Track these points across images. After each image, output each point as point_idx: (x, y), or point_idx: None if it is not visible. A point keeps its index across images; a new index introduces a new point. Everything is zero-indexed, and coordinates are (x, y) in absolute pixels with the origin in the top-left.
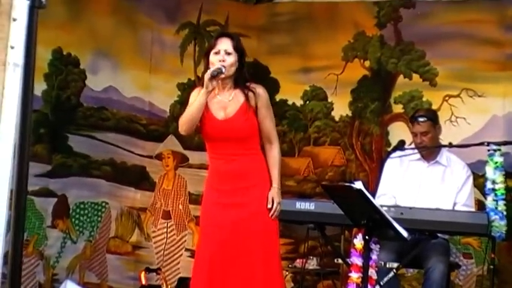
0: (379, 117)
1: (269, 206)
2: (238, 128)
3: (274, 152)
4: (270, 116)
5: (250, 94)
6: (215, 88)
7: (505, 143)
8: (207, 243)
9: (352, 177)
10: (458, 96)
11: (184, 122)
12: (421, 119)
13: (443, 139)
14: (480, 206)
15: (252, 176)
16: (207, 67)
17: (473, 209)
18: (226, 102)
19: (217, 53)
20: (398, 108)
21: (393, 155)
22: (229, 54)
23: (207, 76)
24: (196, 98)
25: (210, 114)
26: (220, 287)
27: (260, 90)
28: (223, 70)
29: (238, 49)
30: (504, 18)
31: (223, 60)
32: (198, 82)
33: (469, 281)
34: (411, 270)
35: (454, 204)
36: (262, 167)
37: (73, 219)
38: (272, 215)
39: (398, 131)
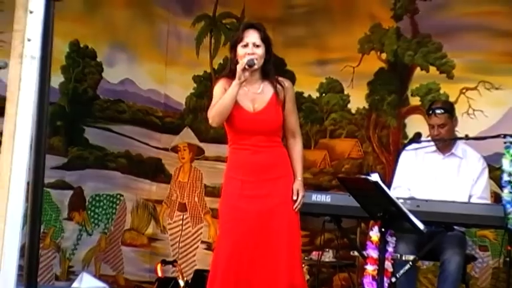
0: (396, 110)
1: (294, 197)
2: (268, 121)
3: (298, 146)
4: (295, 110)
5: (279, 87)
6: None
7: None
8: (229, 234)
9: (370, 169)
10: (475, 88)
11: (217, 114)
12: (438, 111)
13: (460, 131)
14: (497, 198)
15: (276, 168)
16: (234, 60)
17: (488, 201)
18: (255, 95)
19: (245, 45)
20: (415, 101)
21: (409, 147)
22: (257, 46)
23: (240, 67)
24: (221, 90)
25: (239, 106)
26: (243, 278)
27: (288, 84)
28: (255, 62)
29: (266, 40)
30: None
31: (253, 53)
32: (215, 74)
33: (485, 273)
34: (426, 262)
35: (470, 196)
36: (286, 160)
37: (89, 212)
38: (296, 207)
39: (416, 124)
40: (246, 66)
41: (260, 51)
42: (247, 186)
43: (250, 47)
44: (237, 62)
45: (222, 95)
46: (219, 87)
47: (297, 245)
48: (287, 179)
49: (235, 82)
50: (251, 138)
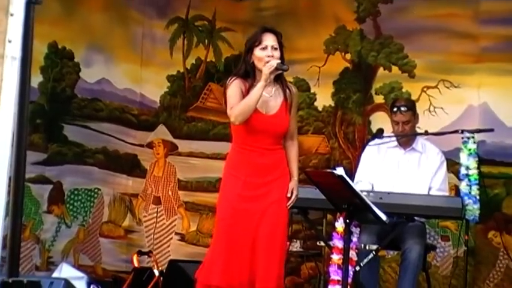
0: (361, 108)
1: (288, 195)
2: (280, 125)
3: (295, 148)
4: (296, 114)
5: (288, 92)
6: (257, 81)
7: (478, 131)
8: (227, 232)
9: (336, 164)
10: (435, 87)
11: (240, 113)
12: (403, 109)
13: (423, 128)
14: (457, 191)
15: (277, 170)
16: (249, 62)
17: (447, 193)
18: (268, 98)
19: (264, 48)
20: (379, 99)
21: (371, 143)
22: (275, 49)
23: (269, 69)
24: (237, 90)
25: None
26: (237, 272)
27: (295, 90)
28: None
29: (280, 45)
30: (477, 12)
31: (272, 56)
32: (188, 74)
33: (446, 262)
34: (391, 252)
35: (429, 188)
36: (284, 162)
37: (67, 205)
38: (289, 205)
39: (380, 121)
40: (273, 69)
41: (278, 54)
42: (248, 187)
43: (269, 50)
44: (253, 64)
45: (239, 94)
46: (235, 87)
47: (284, 241)
48: (283, 179)
49: (261, 84)
50: (261, 140)
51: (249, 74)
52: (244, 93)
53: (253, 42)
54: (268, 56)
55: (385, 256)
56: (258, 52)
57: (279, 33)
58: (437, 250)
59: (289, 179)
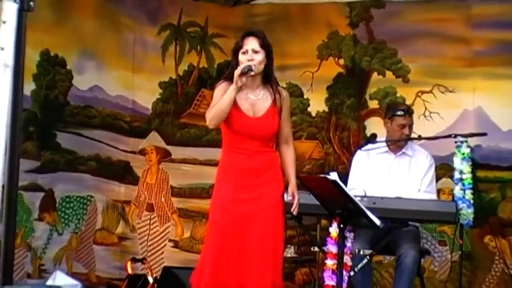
0: (356, 113)
1: (290, 198)
2: (266, 127)
3: (291, 152)
4: (289, 118)
5: (277, 95)
6: (243, 85)
7: (472, 135)
8: (218, 235)
9: (331, 169)
10: (430, 92)
11: (214, 117)
12: (404, 113)
13: (418, 133)
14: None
15: (268, 172)
16: (235, 66)
17: (434, 195)
18: (255, 100)
19: (245, 52)
20: (373, 104)
21: (363, 148)
22: (256, 52)
23: (237, 72)
24: (221, 93)
25: (239, 111)
26: (230, 278)
27: (286, 94)
28: (253, 68)
29: (265, 46)
30: (469, 17)
31: (252, 59)
32: (180, 80)
33: (443, 266)
34: (388, 257)
35: (418, 190)
36: (277, 165)
37: (59, 212)
38: (294, 210)
39: (375, 125)
40: (239, 73)
41: (259, 57)
42: (239, 189)
43: (250, 53)
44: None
45: (221, 97)
46: (219, 90)
47: (280, 246)
48: (277, 183)
49: (233, 87)
50: (248, 142)
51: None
52: None
53: (237, 47)
54: (248, 60)
55: (382, 261)
56: (240, 56)
57: (261, 36)
58: (435, 255)
59: (282, 182)
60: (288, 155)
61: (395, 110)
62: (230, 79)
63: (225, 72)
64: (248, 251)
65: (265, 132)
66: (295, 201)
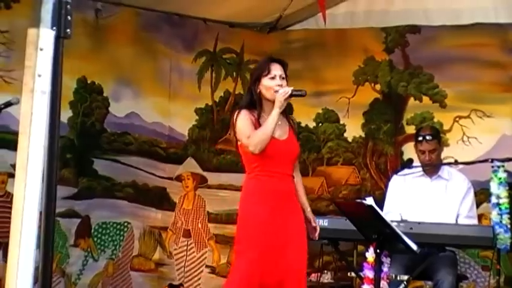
0: (392, 138)
1: (314, 225)
2: (294, 149)
3: (301, 180)
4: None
5: (291, 121)
6: (263, 111)
7: (509, 160)
8: (256, 256)
9: (368, 195)
10: (468, 117)
11: (260, 141)
12: (428, 138)
13: (457, 158)
14: None
15: (294, 197)
16: (256, 92)
17: (475, 220)
18: (277, 125)
19: (273, 78)
20: (410, 129)
21: (399, 173)
22: (283, 78)
23: (283, 96)
24: (248, 120)
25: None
26: None
27: (295, 122)
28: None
29: (286, 75)
30: (506, 42)
31: (281, 85)
32: (216, 107)
33: None
34: (429, 282)
35: (457, 215)
36: (295, 190)
37: (95, 239)
38: (318, 236)
39: (412, 151)
40: (288, 96)
41: (285, 84)
42: (277, 212)
43: (278, 79)
44: (260, 94)
45: (251, 124)
46: (245, 117)
47: (305, 271)
48: (300, 209)
49: (276, 111)
50: (278, 165)
51: (254, 104)
52: (255, 124)
53: (261, 72)
54: (278, 85)
55: (423, 287)
56: (266, 81)
57: (285, 64)
58: (478, 280)
59: (301, 210)
60: (300, 183)
61: (417, 136)
62: (249, 105)
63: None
64: (283, 277)
65: (293, 154)
66: (318, 229)
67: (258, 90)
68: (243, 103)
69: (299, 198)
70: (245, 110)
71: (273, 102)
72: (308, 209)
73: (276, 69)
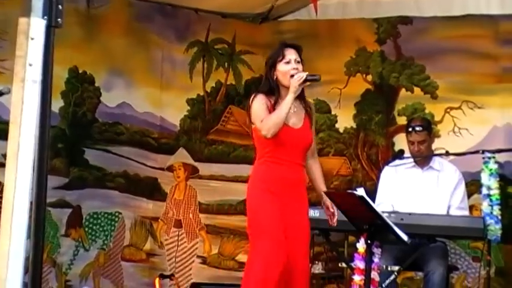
0: (384, 129)
1: (332, 210)
2: (308, 138)
3: (319, 165)
4: (315, 132)
5: (308, 109)
6: (280, 97)
7: (499, 151)
8: (271, 242)
9: (359, 185)
10: (459, 108)
11: (273, 125)
12: (418, 129)
13: (448, 149)
14: None
15: (304, 187)
16: (272, 77)
17: (467, 211)
18: (292, 112)
19: (288, 62)
20: (402, 120)
21: (391, 164)
22: (298, 62)
23: (298, 81)
24: (263, 105)
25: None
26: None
27: (313, 107)
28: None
29: (301, 59)
30: (497, 33)
31: (297, 69)
32: (208, 97)
33: (477, 283)
34: (420, 273)
35: (449, 206)
36: (306, 182)
37: (86, 229)
38: (335, 221)
39: (404, 142)
40: (303, 80)
41: (301, 67)
42: (286, 200)
43: (293, 63)
44: (276, 80)
45: (266, 108)
46: (261, 101)
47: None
48: (305, 199)
49: (291, 96)
50: (290, 153)
51: (273, 91)
52: (270, 109)
53: (276, 57)
54: (293, 69)
55: (414, 277)
56: (282, 67)
57: (300, 48)
58: (469, 271)
59: (307, 201)
60: (318, 166)
61: (408, 127)
62: (267, 91)
63: (254, 89)
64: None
65: (306, 143)
66: (336, 213)
67: (275, 77)
68: (261, 89)
69: (315, 183)
70: (261, 95)
71: (287, 87)
72: (325, 196)
73: (291, 54)
